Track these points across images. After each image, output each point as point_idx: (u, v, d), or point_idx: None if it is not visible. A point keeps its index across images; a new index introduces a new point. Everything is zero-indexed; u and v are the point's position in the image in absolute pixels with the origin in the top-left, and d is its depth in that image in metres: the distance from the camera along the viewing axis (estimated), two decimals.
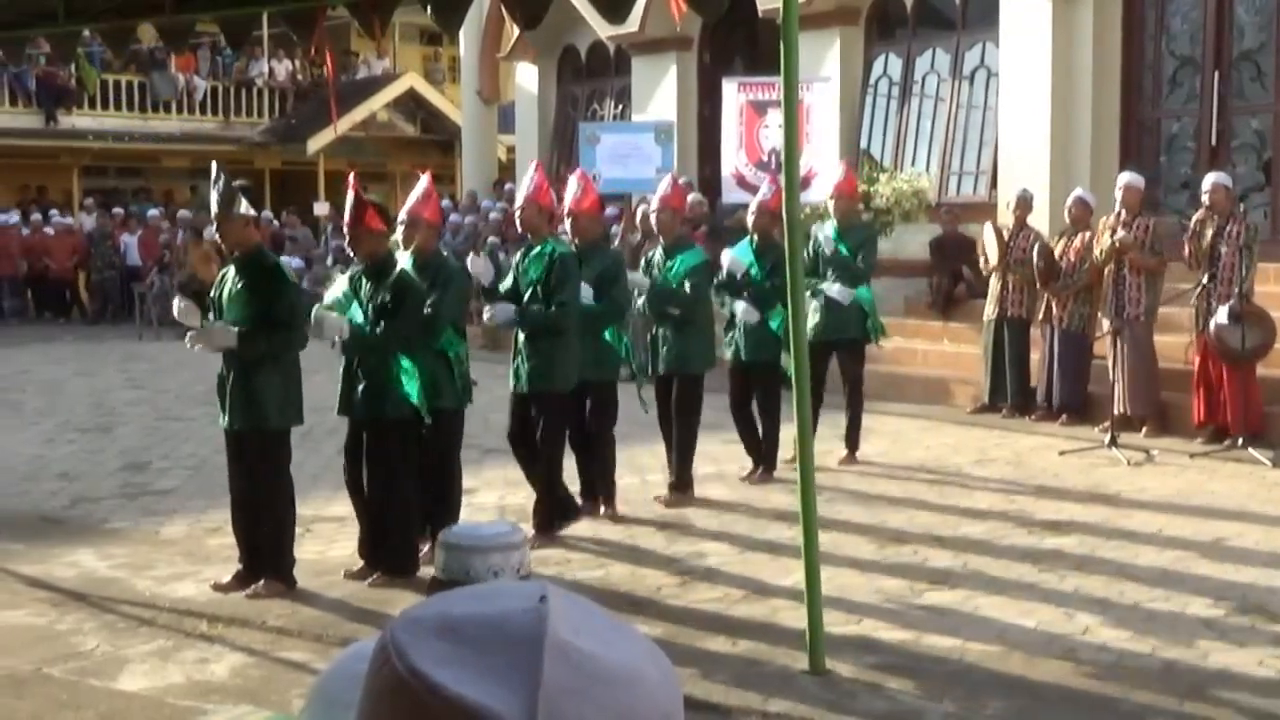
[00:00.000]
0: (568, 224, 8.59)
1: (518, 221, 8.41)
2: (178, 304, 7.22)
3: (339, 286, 7.50)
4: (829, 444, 10.04)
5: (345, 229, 7.44)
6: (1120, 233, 11.06)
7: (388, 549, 7.24)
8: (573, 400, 8.23)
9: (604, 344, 8.43)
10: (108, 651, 6.13)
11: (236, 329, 6.79)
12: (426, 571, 7.32)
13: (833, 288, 9.94)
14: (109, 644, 6.23)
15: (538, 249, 8.07)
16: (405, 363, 7.14)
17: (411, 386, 7.13)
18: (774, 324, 9.32)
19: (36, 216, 24.49)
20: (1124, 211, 11.20)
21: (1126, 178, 11.53)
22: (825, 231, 10.25)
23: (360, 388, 7.15)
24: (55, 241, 23.77)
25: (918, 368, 13.89)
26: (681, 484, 8.98)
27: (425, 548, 7.52)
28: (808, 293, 10.01)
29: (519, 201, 8.37)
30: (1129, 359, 11.08)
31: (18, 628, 6.51)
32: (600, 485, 8.58)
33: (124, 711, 5.43)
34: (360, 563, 7.31)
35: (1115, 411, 10.77)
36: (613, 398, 8.55)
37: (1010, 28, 15.25)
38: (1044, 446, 10.72)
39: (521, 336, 8.01)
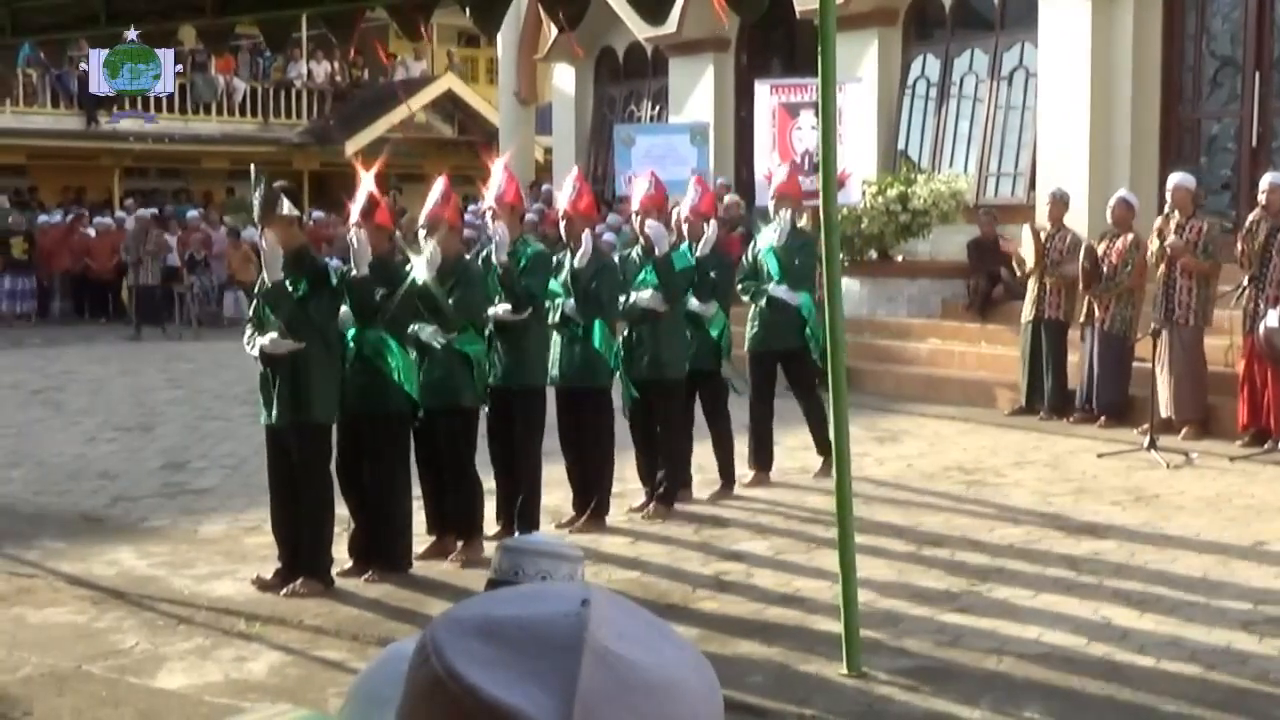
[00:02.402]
0: (562, 225, 8.40)
1: (487, 222, 8.29)
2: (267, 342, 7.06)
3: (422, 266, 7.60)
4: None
5: (355, 223, 7.35)
6: (1170, 236, 10.97)
7: (382, 545, 7.28)
8: (544, 397, 8.11)
9: (593, 351, 8.23)
10: (147, 649, 6.18)
11: (289, 340, 6.84)
12: (421, 568, 7.42)
13: (779, 289, 9.44)
14: (148, 642, 6.28)
15: (510, 248, 7.95)
16: (398, 357, 7.18)
17: (405, 378, 7.17)
18: (713, 331, 9.05)
19: (71, 216, 24.69)
20: (1177, 213, 11.10)
21: (1177, 178, 11.40)
22: (764, 236, 9.76)
23: (353, 383, 7.17)
24: (96, 242, 23.93)
25: (955, 370, 13.84)
26: (667, 495, 8.72)
27: (462, 545, 7.58)
28: (747, 298, 9.66)
29: (487, 201, 8.22)
30: (1177, 363, 10.98)
31: (59, 625, 6.56)
32: (594, 495, 8.43)
33: (162, 709, 5.48)
34: (350, 561, 7.33)
35: (1158, 415, 10.69)
36: (605, 404, 8.38)
37: (1049, 28, 15.19)
38: (1082, 449, 10.66)
39: (493, 333, 7.90)
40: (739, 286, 9.70)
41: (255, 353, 6.99)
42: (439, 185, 7.89)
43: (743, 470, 9.55)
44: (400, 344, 7.27)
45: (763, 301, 9.54)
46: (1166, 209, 11.24)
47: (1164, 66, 14.80)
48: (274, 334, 6.88)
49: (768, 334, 9.49)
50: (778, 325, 9.47)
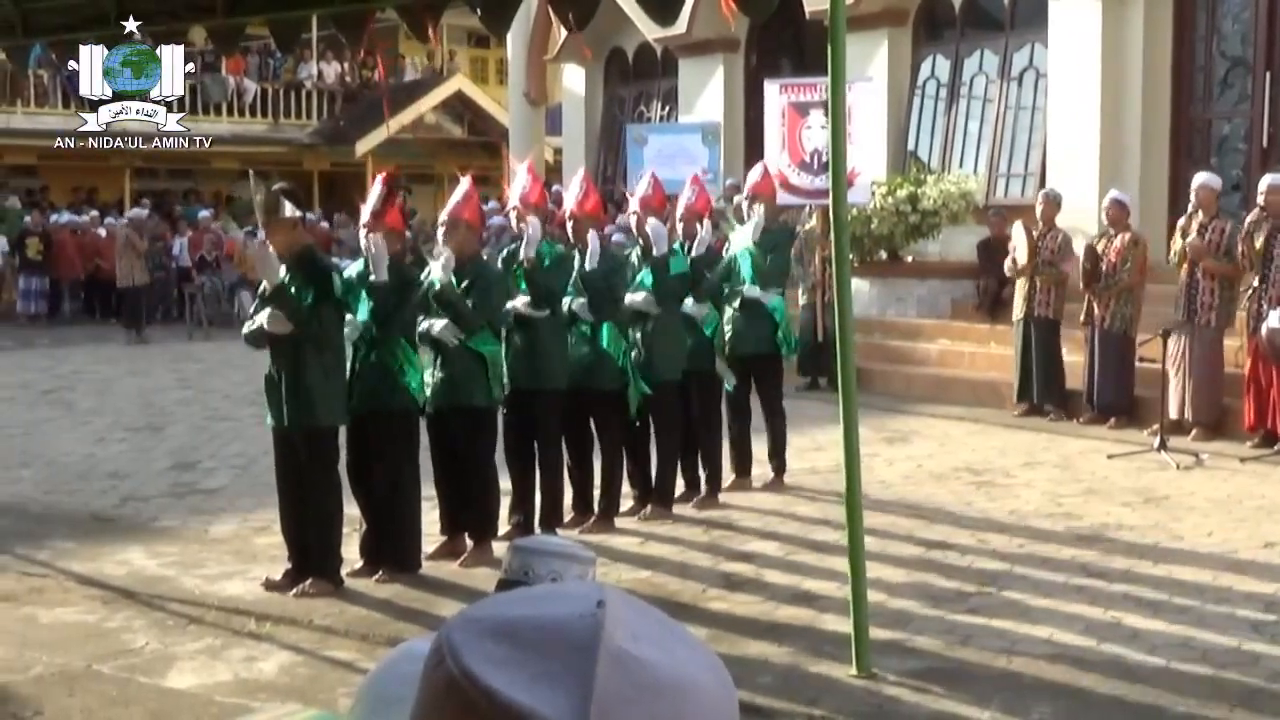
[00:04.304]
0: (569, 227, 8.36)
1: (512, 222, 8.27)
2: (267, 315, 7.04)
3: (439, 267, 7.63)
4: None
5: (365, 224, 7.39)
6: (1192, 236, 10.95)
7: (391, 544, 7.29)
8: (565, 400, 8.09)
9: (602, 351, 8.20)
10: (157, 649, 6.18)
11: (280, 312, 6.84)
12: (431, 569, 7.41)
13: (753, 290, 9.22)
14: (158, 642, 6.29)
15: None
16: (407, 355, 7.21)
17: (413, 378, 7.20)
18: (707, 330, 8.92)
19: (84, 218, 24.75)
20: (1200, 213, 11.06)
21: (1203, 178, 11.36)
22: (739, 237, 9.56)
23: (363, 381, 7.19)
24: (107, 243, 23.97)
25: (964, 370, 13.82)
26: (662, 497, 8.68)
27: (479, 546, 7.58)
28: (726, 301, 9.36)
29: (512, 203, 8.20)
30: (1196, 363, 10.95)
31: (69, 625, 6.58)
32: (602, 499, 8.41)
33: (173, 709, 5.48)
34: (360, 561, 7.33)
35: (1170, 415, 10.67)
36: (615, 405, 8.32)
37: (1059, 29, 15.16)
38: (1092, 450, 10.64)
39: (515, 335, 7.89)
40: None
41: (253, 328, 6.96)
42: (463, 185, 7.91)
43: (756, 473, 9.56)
44: (411, 344, 7.29)
45: (736, 304, 9.30)
46: (1190, 208, 11.20)
47: (1174, 67, 14.77)
48: (271, 311, 6.88)
49: (738, 338, 9.26)
50: (748, 329, 9.23)
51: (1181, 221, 11.25)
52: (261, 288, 7.13)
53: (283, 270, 7.05)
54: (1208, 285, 10.99)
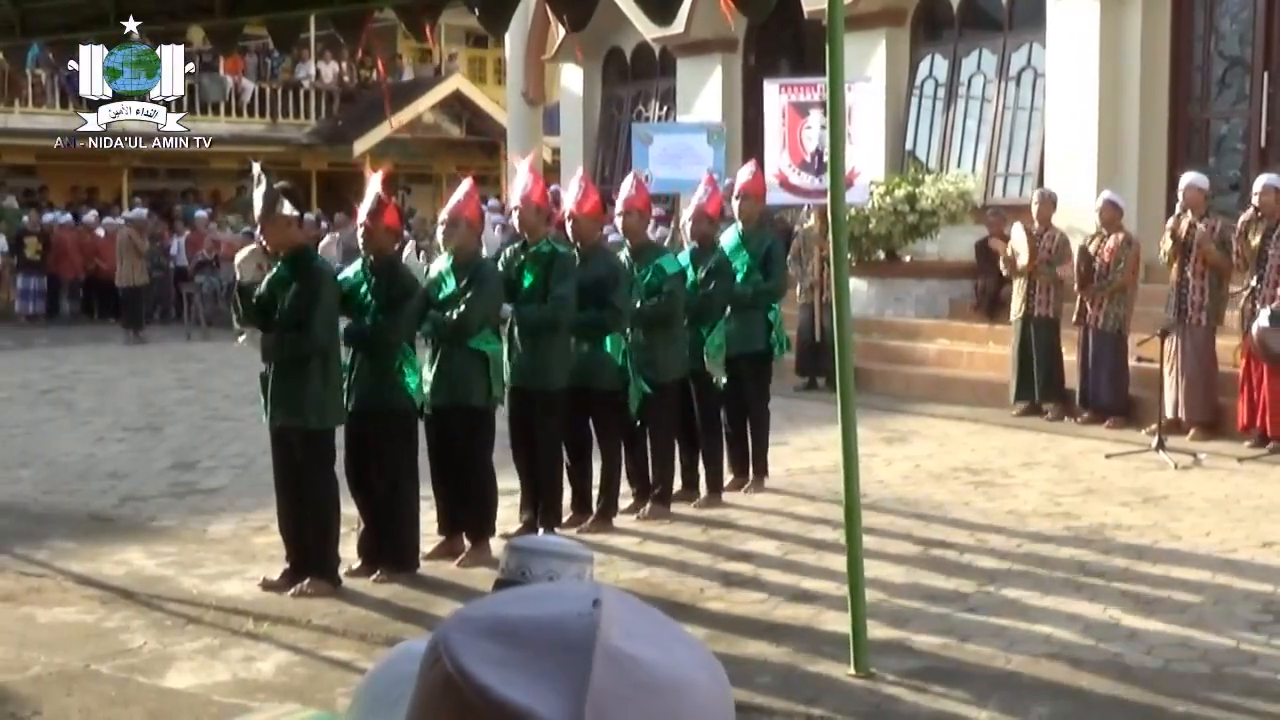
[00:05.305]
0: (569, 227, 8.36)
1: (515, 221, 8.28)
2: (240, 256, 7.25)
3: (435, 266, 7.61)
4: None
5: (362, 223, 7.42)
6: (1184, 230, 10.94)
7: (389, 544, 7.28)
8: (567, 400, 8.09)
9: (603, 353, 8.19)
10: (155, 649, 6.18)
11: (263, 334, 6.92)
12: (429, 568, 7.41)
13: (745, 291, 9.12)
14: (157, 641, 6.29)
15: (535, 248, 7.99)
16: (407, 356, 7.23)
17: (411, 378, 7.21)
18: (705, 332, 8.83)
19: (88, 218, 24.75)
20: (1189, 212, 11.07)
21: (1190, 178, 11.39)
22: (726, 237, 9.42)
23: (361, 382, 7.20)
24: (105, 243, 23.97)
25: (963, 370, 13.83)
26: (662, 497, 8.67)
27: (477, 545, 7.59)
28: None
29: (514, 201, 8.23)
30: (1189, 363, 10.96)
31: (68, 625, 6.58)
32: (601, 498, 8.39)
33: (171, 709, 5.48)
34: (359, 561, 7.32)
35: (1166, 415, 10.67)
36: (614, 405, 8.28)
37: (1057, 29, 15.17)
38: (1091, 450, 10.64)
39: (517, 333, 7.90)
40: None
41: (242, 342, 7.06)
42: (465, 185, 7.93)
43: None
44: (410, 344, 7.30)
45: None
46: (1178, 209, 11.21)
47: (1172, 67, 14.77)
48: (249, 332, 6.96)
49: (732, 338, 9.09)
50: (740, 328, 9.12)
51: (1170, 222, 11.25)
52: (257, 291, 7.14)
53: (277, 269, 7.04)
54: (1197, 285, 11.00)
